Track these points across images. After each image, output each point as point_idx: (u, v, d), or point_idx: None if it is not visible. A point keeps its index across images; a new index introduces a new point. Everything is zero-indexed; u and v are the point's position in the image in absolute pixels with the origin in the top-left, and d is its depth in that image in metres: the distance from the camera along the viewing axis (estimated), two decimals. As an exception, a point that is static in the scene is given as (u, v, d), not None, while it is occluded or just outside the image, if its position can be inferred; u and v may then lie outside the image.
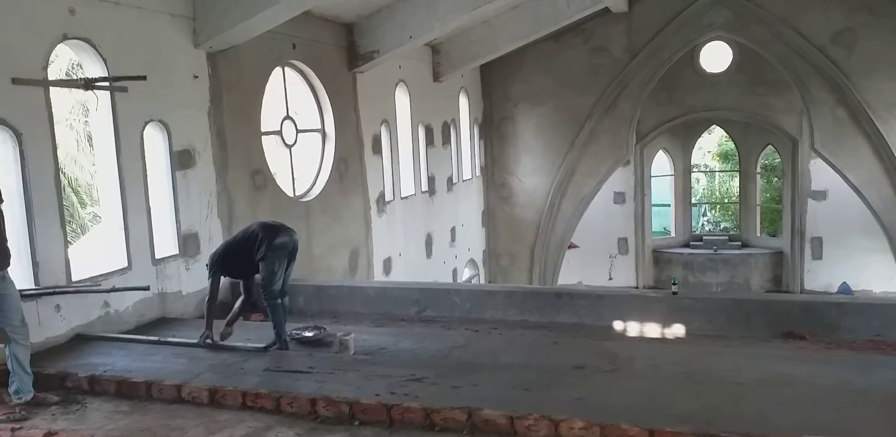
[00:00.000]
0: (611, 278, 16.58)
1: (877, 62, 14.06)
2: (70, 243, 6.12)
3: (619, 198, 16.49)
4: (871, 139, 14.49)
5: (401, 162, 11.66)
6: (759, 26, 14.51)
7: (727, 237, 17.79)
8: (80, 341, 5.49)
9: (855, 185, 14.80)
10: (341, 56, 9.96)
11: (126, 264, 6.07)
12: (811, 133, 14.91)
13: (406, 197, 11.85)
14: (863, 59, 14.13)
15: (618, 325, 6.64)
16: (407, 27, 10.03)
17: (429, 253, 12.74)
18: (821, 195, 15.45)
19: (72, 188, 13.77)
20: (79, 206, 14.06)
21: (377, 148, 10.80)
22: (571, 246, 16.38)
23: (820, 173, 15.27)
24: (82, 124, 13.66)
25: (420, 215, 12.45)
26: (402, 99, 11.80)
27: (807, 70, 14.50)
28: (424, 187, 12.58)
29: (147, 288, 5.88)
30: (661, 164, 17.68)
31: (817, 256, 15.60)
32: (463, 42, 12.86)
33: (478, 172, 15.82)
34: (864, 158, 14.63)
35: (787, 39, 14.42)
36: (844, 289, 15.15)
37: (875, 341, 6.16)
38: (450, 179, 13.81)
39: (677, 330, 6.48)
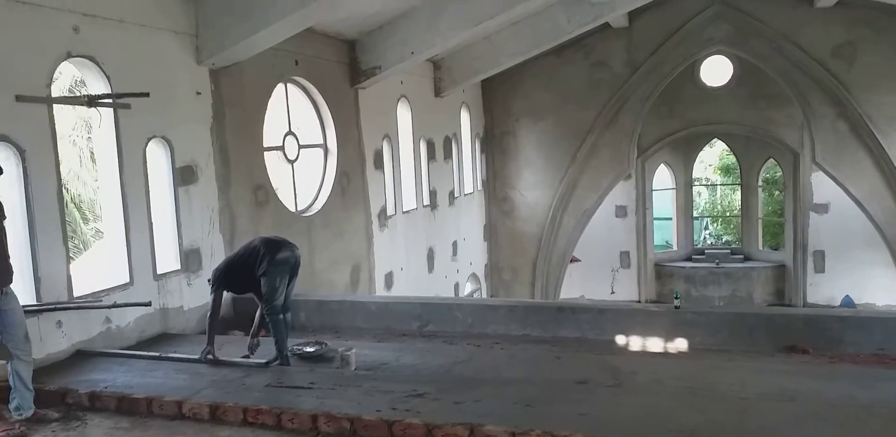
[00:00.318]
0: (613, 292, 16.53)
1: (877, 76, 14.15)
2: (72, 258, 6.13)
3: (621, 212, 16.50)
4: (873, 152, 14.54)
5: (402, 176, 11.70)
6: (760, 40, 14.62)
7: (729, 251, 17.76)
8: (80, 357, 5.48)
9: (857, 198, 14.81)
10: (343, 72, 10.04)
11: (128, 280, 6.07)
12: (812, 146, 14.96)
13: (408, 211, 11.87)
14: (863, 72, 14.21)
15: (620, 339, 6.62)
16: (408, 43, 10.13)
17: (430, 267, 12.73)
18: (823, 208, 15.44)
19: (74, 204, 13.84)
20: (81, 221, 14.11)
21: (379, 163, 10.85)
22: (573, 260, 16.37)
23: (821, 186, 15.28)
24: (85, 140, 13.75)
25: (422, 230, 12.47)
26: (403, 114, 11.87)
27: (807, 84, 14.58)
28: (426, 202, 12.61)
29: (149, 304, 5.88)
30: (663, 177, 17.71)
31: (820, 269, 15.55)
32: (464, 57, 12.97)
33: (479, 187, 15.86)
34: (866, 170, 14.66)
35: (788, 53, 14.52)
36: (847, 302, 15.08)
37: (878, 354, 6.14)
38: (451, 194, 13.84)
39: (680, 344, 6.45)
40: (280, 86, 8.70)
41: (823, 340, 6.32)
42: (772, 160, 16.99)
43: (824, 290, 15.49)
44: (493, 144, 16.28)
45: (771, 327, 6.54)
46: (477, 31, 10.85)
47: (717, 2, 14.63)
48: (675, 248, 17.87)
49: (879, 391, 4.77)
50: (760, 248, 17.47)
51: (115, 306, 5.61)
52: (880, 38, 14.02)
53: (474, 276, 15.34)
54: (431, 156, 12.79)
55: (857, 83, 14.30)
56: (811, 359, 6.06)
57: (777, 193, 18.97)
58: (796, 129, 15.14)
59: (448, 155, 13.69)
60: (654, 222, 17.21)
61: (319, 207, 9.40)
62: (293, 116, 9.09)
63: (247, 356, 5.36)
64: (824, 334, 6.38)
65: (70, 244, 6.32)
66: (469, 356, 5.80)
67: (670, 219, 18.06)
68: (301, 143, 9.18)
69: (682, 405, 4.21)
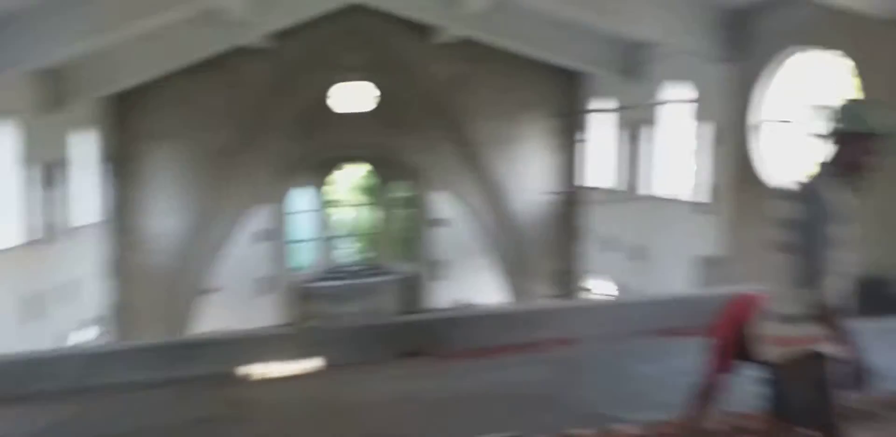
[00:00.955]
0: (256, 319, 16.12)
1: (484, 104, 16.54)
2: None
3: (261, 236, 16.33)
4: (479, 172, 17.01)
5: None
6: (394, 70, 15.97)
7: (366, 267, 18.98)
8: None
9: (469, 212, 17.19)
10: None
11: None
12: (434, 168, 16.89)
13: (4, 250, 9.94)
14: (474, 101, 16.48)
15: (253, 368, 6.42)
16: (9, 49, 8.63)
17: (35, 316, 10.72)
18: (444, 223, 17.53)
19: None
20: None
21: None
22: (212, 290, 15.54)
23: (443, 203, 17.35)
24: None
25: (24, 271, 10.53)
26: (1, 132, 9.94)
27: (430, 111, 16.40)
28: (32, 236, 10.72)
29: None
30: (302, 199, 18.07)
31: (443, 276, 17.60)
32: (87, 70, 11.50)
33: (102, 217, 14.09)
34: (474, 188, 17.07)
35: (416, 83, 16.15)
36: (463, 304, 17.32)
37: (483, 349, 7.04)
38: (65, 226, 11.99)
39: (311, 364, 6.54)
40: None
41: (439, 340, 7.01)
42: (402, 181, 18.68)
43: (447, 294, 17.53)
44: (122, 168, 14.70)
45: (394, 336, 7.06)
46: (99, 42, 9.72)
47: (357, 31, 15.53)
48: (315, 268, 18.38)
49: (476, 380, 5.48)
50: (393, 261, 19.04)
51: None
52: (488, 72, 16.42)
53: (96, 319, 13.42)
54: (41, 182, 10.96)
55: (469, 111, 16.54)
56: (428, 360, 6.67)
57: (407, 210, 20.92)
58: (421, 152, 16.90)
59: (62, 181, 11.87)
60: (295, 243, 17.49)
61: None
62: None
63: None
64: (439, 334, 7.09)
65: None
66: (72, 416, 5.03)
67: (310, 240, 18.52)
68: None
69: (304, 426, 4.28)
